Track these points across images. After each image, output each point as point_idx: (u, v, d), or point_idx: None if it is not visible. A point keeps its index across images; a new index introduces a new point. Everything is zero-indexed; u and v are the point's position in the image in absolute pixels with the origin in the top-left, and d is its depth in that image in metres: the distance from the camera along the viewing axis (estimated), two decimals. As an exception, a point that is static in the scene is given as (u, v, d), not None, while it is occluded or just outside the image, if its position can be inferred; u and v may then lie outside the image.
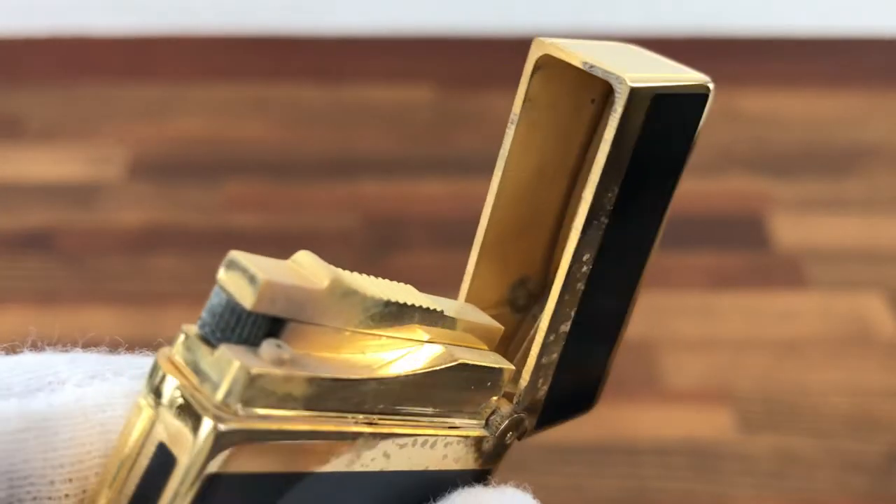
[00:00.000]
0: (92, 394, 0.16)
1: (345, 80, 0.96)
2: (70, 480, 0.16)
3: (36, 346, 0.18)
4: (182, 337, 0.15)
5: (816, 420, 0.67)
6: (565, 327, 0.19)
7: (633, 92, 0.17)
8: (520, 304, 0.21)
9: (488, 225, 0.20)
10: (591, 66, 0.18)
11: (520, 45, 0.99)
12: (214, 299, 0.15)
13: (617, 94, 0.18)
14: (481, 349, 0.19)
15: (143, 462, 0.15)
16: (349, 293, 0.16)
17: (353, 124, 0.91)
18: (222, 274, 0.15)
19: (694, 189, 0.85)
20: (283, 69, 0.98)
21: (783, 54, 1.01)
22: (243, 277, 0.15)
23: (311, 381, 0.15)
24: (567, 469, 0.63)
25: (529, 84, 0.19)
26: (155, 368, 0.15)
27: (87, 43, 1.00)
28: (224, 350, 0.14)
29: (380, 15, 1.02)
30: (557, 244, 0.22)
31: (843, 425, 0.66)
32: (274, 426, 0.15)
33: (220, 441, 0.14)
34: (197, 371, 0.15)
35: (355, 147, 0.89)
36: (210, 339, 0.15)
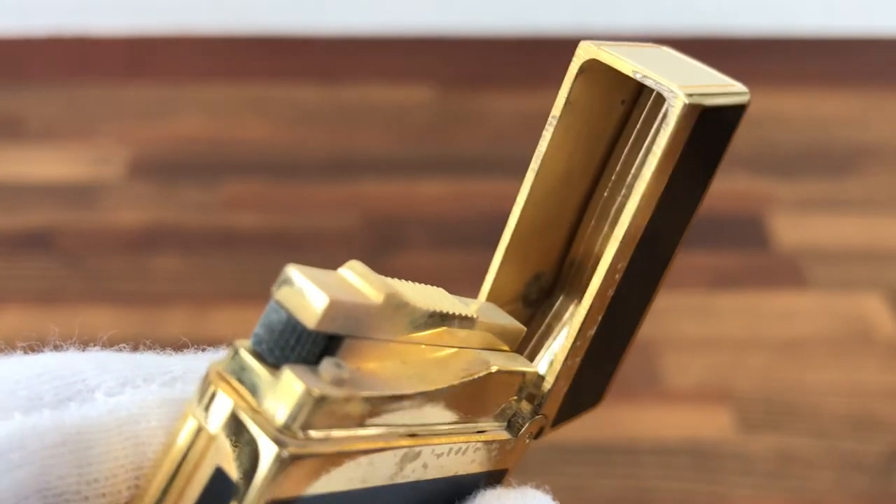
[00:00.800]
0: (125, 404, 0.16)
1: (345, 80, 0.96)
2: (103, 495, 0.15)
3: (57, 346, 0.17)
4: (234, 353, 0.15)
5: (816, 420, 0.67)
6: (591, 331, 0.20)
7: (687, 106, 0.18)
8: (532, 298, 0.22)
9: (517, 224, 0.20)
10: (644, 77, 0.18)
11: (520, 45, 0.99)
12: (272, 316, 0.14)
13: (671, 108, 0.18)
14: (506, 351, 0.19)
15: (197, 486, 0.14)
16: (402, 306, 0.16)
17: (353, 124, 0.91)
18: (280, 290, 0.14)
19: (694, 189, 0.85)
20: (284, 69, 0.98)
21: (784, 54, 1.01)
22: (304, 295, 0.14)
23: (368, 399, 0.15)
24: (567, 469, 0.63)
25: (572, 87, 0.19)
26: (206, 384, 0.15)
27: (87, 43, 1.00)
28: (287, 371, 0.14)
29: (380, 15, 1.02)
30: (574, 242, 0.22)
31: (844, 425, 0.66)
32: (333, 448, 0.14)
33: (284, 466, 0.14)
34: (254, 391, 0.14)
35: (355, 147, 0.89)
36: (267, 358, 0.14)
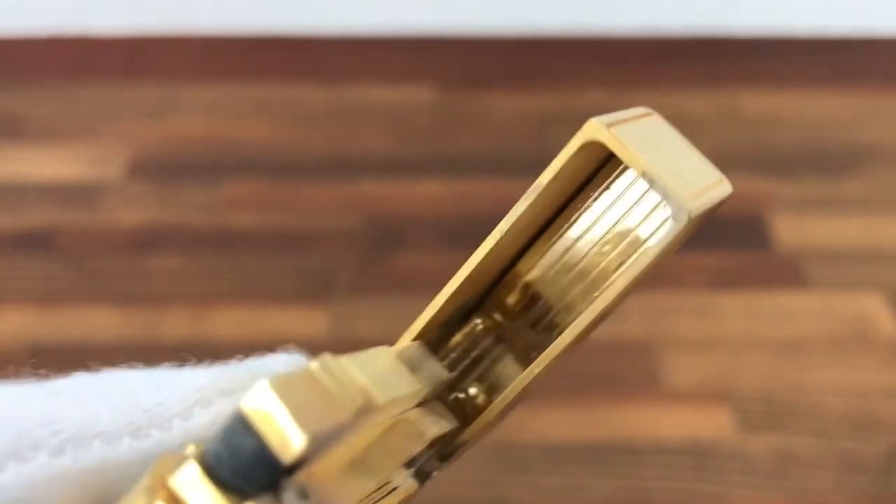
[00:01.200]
0: (8, 485, 0.14)
1: (345, 80, 0.96)
2: None
3: None
4: (189, 466, 0.13)
5: (816, 420, 0.67)
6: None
7: (691, 220, 0.17)
8: (451, 324, 0.22)
9: (468, 276, 0.20)
10: (652, 181, 0.18)
11: (520, 45, 0.99)
12: (241, 439, 0.12)
13: (672, 220, 0.17)
14: (430, 402, 0.19)
15: None
16: (371, 410, 0.14)
17: (353, 124, 0.91)
18: (253, 409, 0.12)
19: (694, 189, 0.85)
20: (284, 69, 0.98)
21: (784, 54, 1.01)
22: (282, 425, 0.12)
23: None
24: (567, 469, 0.63)
25: (568, 160, 0.19)
26: (149, 490, 0.13)
27: (87, 43, 1.00)
28: None
29: (380, 15, 1.02)
30: (503, 280, 0.22)
31: (844, 425, 0.66)
32: None
33: None
34: None
35: (355, 147, 0.89)
36: (226, 481, 0.13)
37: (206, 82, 0.96)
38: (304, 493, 0.13)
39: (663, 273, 0.82)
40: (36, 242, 0.79)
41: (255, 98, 0.94)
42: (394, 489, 0.18)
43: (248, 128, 0.91)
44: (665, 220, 0.19)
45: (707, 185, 0.19)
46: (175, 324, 0.71)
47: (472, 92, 0.95)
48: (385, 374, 0.16)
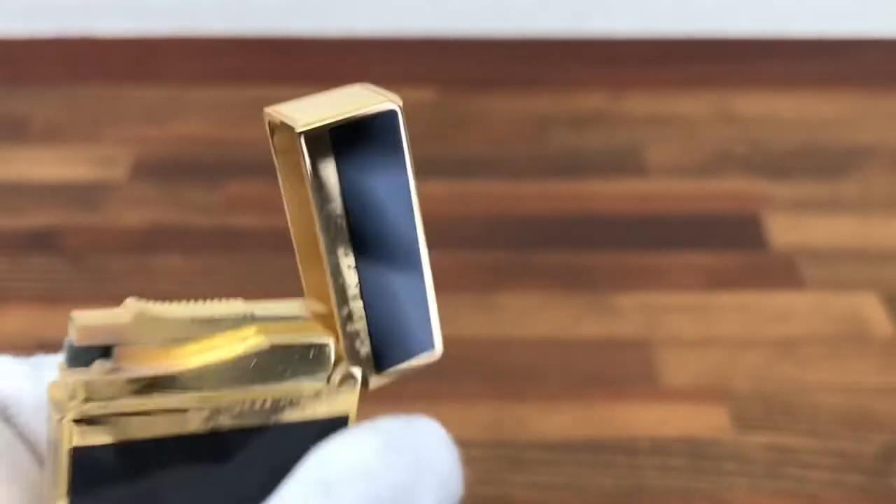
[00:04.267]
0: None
1: (346, 82, 0.97)
2: None
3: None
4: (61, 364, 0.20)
5: (813, 419, 0.67)
6: (355, 288, 0.23)
7: (306, 135, 0.21)
8: None
9: (296, 245, 0.24)
10: (271, 118, 0.21)
11: (520, 48, 0.99)
12: (66, 341, 0.20)
13: (297, 141, 0.21)
14: (307, 330, 0.23)
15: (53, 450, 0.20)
16: (155, 319, 0.22)
17: (354, 126, 0.92)
18: (70, 326, 0.20)
19: (691, 189, 0.85)
20: (286, 71, 0.99)
21: (780, 55, 1.02)
22: (72, 325, 0.20)
23: (131, 379, 0.20)
24: (564, 468, 0.64)
25: (273, 140, 0.22)
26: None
27: (91, 44, 1.01)
28: (65, 373, 0.20)
29: (381, 17, 1.02)
30: None
31: (840, 424, 0.67)
32: (107, 410, 0.20)
33: (68, 424, 0.20)
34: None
35: (356, 148, 0.89)
36: (66, 366, 0.20)
37: (208, 84, 0.96)
38: (104, 362, 0.20)
39: (660, 273, 0.83)
40: (40, 242, 0.79)
41: (257, 100, 0.94)
42: (294, 391, 0.22)
43: (250, 129, 0.91)
44: None
45: (348, 108, 0.22)
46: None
47: (473, 94, 0.96)
48: (201, 306, 0.23)
